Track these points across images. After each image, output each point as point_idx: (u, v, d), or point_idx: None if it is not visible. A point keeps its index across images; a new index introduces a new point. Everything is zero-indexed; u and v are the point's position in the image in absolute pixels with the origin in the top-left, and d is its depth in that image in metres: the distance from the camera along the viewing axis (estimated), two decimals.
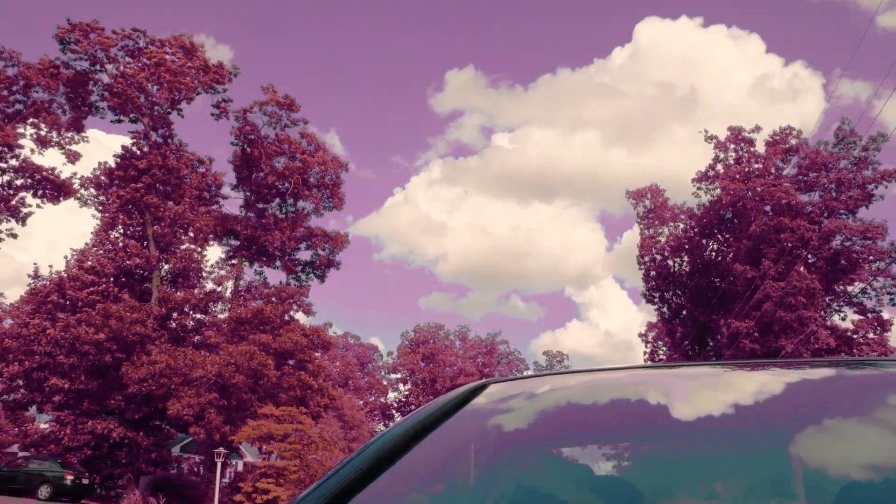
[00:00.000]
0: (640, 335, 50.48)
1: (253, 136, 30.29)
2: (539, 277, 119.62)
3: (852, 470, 1.20)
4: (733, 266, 37.66)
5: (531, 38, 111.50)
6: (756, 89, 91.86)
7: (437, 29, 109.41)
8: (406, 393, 76.73)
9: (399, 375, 78.05)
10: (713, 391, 1.52)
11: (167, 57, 32.51)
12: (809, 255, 35.78)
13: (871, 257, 35.26)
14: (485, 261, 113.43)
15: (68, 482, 24.74)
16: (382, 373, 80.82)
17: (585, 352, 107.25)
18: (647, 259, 45.38)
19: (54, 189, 40.84)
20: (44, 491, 24.53)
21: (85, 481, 25.54)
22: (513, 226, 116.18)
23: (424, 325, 77.46)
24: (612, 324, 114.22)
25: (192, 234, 32.97)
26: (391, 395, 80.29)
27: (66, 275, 32.89)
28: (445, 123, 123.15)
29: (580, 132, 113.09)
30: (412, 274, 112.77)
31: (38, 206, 40.91)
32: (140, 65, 34.25)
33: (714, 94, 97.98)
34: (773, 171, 39.16)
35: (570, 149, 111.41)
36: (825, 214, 36.72)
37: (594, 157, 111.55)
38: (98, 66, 33.64)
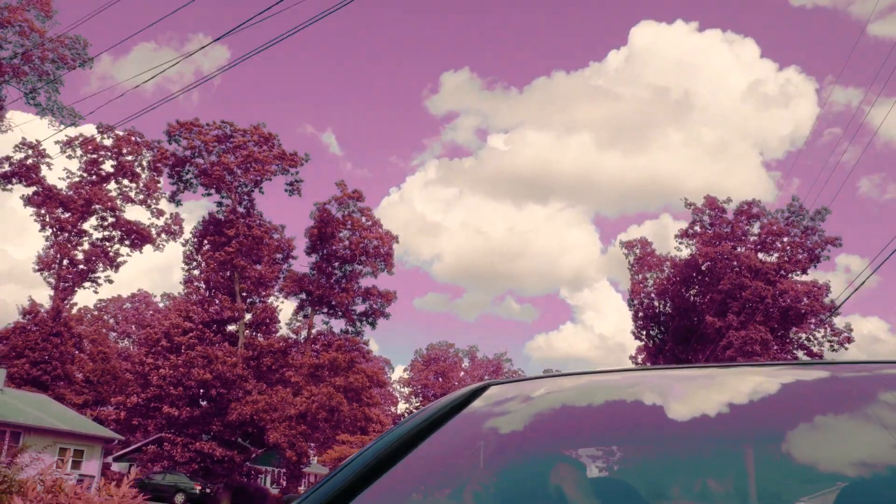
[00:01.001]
0: (631, 357, 58.70)
1: (327, 219, 38.42)
2: (534, 279, 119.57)
3: (846, 471, 1.22)
4: (705, 316, 45.98)
5: (526, 41, 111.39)
6: (750, 94, 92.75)
7: (433, 31, 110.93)
8: (417, 405, 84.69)
9: (410, 389, 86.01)
10: (712, 393, 1.52)
11: (254, 148, 40.55)
12: (766, 309, 44.06)
13: (812, 312, 43.64)
14: (480, 262, 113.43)
15: (197, 491, 32.75)
16: (396, 385, 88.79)
17: (579, 354, 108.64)
18: (636, 302, 53.67)
19: (140, 239, 48.94)
20: (179, 498, 32.51)
21: (208, 490, 33.59)
22: (508, 227, 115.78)
23: (437, 343, 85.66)
24: (606, 326, 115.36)
25: (272, 291, 41.04)
26: (402, 406, 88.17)
27: (168, 322, 40.86)
28: (441, 125, 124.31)
29: (575, 134, 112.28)
30: (407, 274, 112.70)
31: (127, 255, 48.98)
32: (223, 147, 42.23)
33: (708, 98, 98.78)
34: (739, 233, 47.56)
35: (564, 151, 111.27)
36: (780, 273, 45.06)
37: (589, 160, 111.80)
38: (196, 153, 41.62)
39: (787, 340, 45.12)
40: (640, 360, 57.07)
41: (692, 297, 51.28)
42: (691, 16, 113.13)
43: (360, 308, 41.27)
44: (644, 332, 53.33)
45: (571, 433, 1.51)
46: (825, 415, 1.38)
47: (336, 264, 40.74)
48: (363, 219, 39.56)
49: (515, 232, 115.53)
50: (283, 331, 41.74)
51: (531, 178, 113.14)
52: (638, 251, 55.45)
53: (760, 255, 46.05)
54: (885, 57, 54.26)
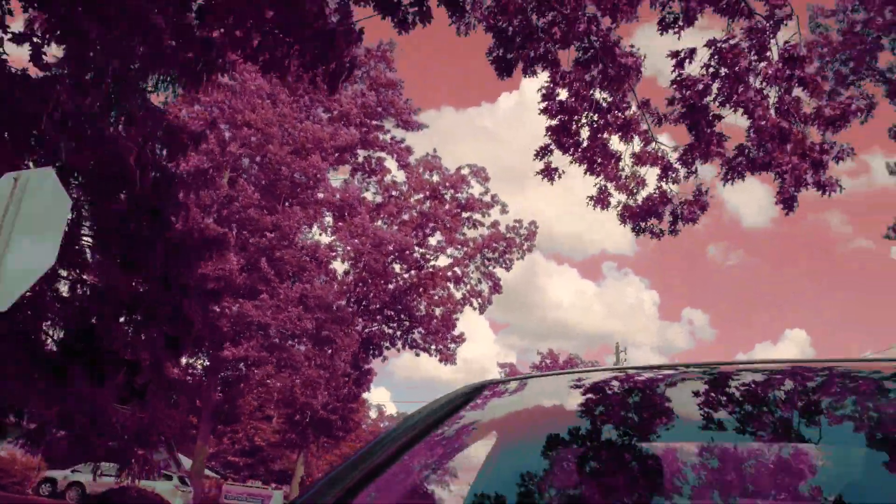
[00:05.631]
0: None
1: None
2: None
3: (846, 469, 1.24)
4: None
5: (420, 72, 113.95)
6: (623, 155, 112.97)
7: None
8: None
9: None
10: (713, 392, 1.53)
11: None
12: None
13: None
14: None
15: None
16: None
17: (441, 376, 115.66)
18: None
19: None
20: None
21: None
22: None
23: None
24: (471, 351, 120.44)
25: None
26: None
27: None
28: None
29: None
30: None
31: None
32: None
33: None
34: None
35: None
36: None
37: None
38: None
39: None
40: None
41: None
42: None
43: None
44: None
45: (569, 432, 1.48)
46: (827, 414, 1.36)
47: None
48: None
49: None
50: None
51: None
52: (508, 370, 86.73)
53: None
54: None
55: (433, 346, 33.95)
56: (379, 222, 33.57)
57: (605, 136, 10.32)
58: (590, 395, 1.59)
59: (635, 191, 10.38)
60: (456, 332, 34.59)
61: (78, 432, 9.85)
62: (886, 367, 1.50)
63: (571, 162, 9.17)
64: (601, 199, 10.54)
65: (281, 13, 5.67)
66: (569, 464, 1.47)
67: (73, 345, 11.57)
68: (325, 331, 24.27)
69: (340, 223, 29.24)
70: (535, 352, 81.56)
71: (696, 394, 1.50)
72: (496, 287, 34.71)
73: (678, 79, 7.60)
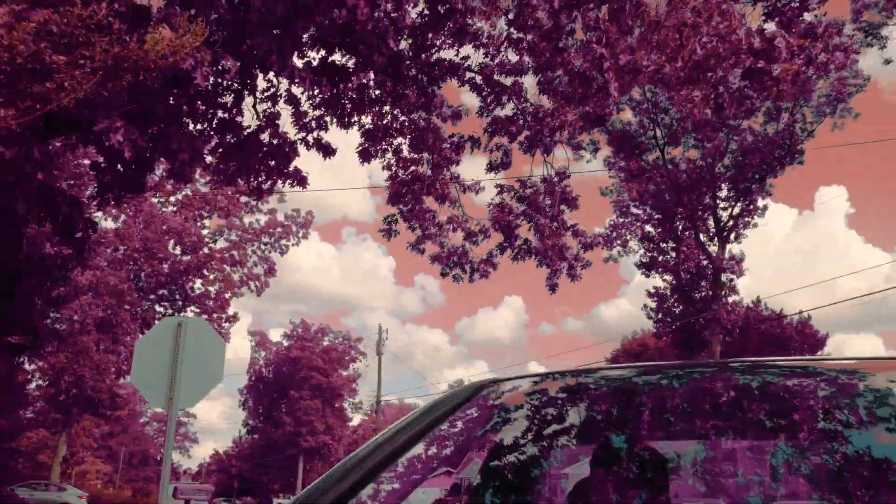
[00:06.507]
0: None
1: None
2: None
3: (855, 469, 1.24)
4: (290, 391, 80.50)
5: None
6: None
7: None
8: None
9: None
10: (715, 391, 1.54)
11: None
12: (321, 388, 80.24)
13: (347, 391, 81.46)
14: None
15: None
16: None
17: None
18: (251, 370, 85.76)
19: None
20: None
21: None
22: None
23: None
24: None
25: None
26: None
27: None
28: None
29: None
30: None
31: None
32: None
33: None
34: (317, 342, 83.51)
35: None
36: (334, 371, 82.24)
37: None
38: None
39: (334, 406, 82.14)
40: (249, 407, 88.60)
41: (286, 373, 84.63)
42: None
43: None
44: (252, 396, 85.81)
45: (570, 430, 1.50)
46: (831, 413, 1.36)
47: None
48: None
49: None
50: None
51: None
52: (258, 338, 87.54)
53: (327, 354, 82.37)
54: None
55: None
56: (154, 199, 33.46)
57: (426, 199, 13.86)
58: (589, 395, 1.63)
59: (445, 244, 14.09)
60: (230, 312, 35.97)
61: None
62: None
63: (411, 228, 12.52)
64: (418, 246, 14.09)
65: (269, 161, 8.03)
66: (568, 462, 1.54)
67: None
68: (114, 315, 24.55)
69: (124, 205, 28.96)
70: (276, 314, 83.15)
71: (698, 391, 1.55)
72: (271, 270, 36.68)
73: (497, 203, 11.38)
